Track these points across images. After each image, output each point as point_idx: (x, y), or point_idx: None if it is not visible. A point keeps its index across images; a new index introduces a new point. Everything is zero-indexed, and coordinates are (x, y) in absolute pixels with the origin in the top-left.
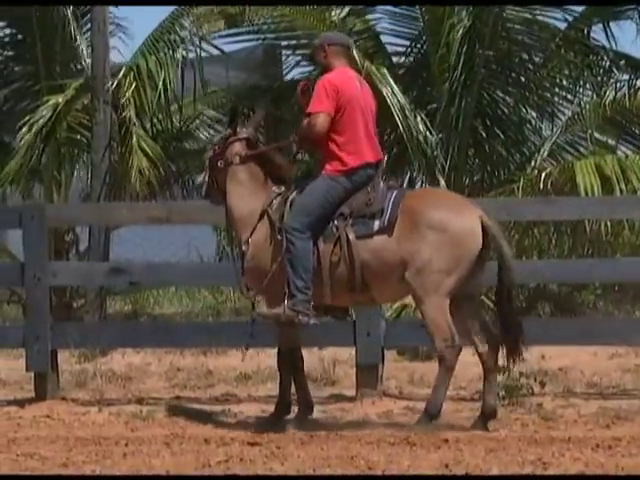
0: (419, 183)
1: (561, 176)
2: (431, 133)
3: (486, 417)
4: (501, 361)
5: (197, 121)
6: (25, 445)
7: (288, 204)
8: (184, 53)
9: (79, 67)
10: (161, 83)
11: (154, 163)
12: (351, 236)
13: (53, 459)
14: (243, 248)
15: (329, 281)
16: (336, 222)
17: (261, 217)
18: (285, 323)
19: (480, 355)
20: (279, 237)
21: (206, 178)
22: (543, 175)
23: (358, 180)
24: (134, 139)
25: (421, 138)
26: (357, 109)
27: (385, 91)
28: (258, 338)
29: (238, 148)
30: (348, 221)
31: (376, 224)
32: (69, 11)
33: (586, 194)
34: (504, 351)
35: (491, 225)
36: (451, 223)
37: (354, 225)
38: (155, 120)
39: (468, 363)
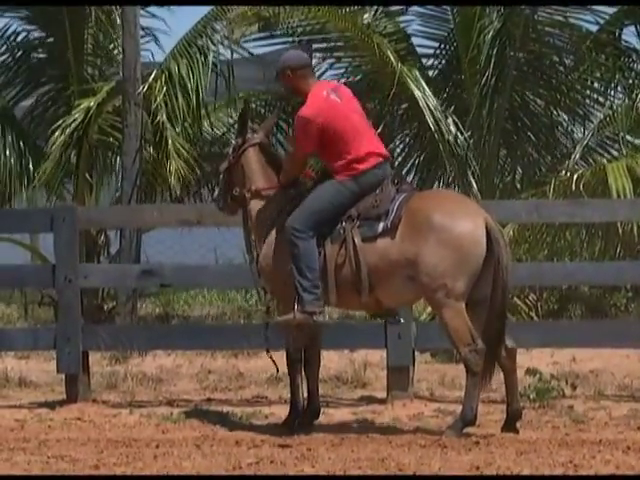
0: (446, 185)
1: (593, 178)
2: (462, 135)
3: (512, 419)
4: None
5: (229, 125)
6: (56, 447)
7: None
8: (215, 57)
9: (111, 70)
10: (192, 87)
11: (190, 166)
12: (357, 238)
13: (84, 461)
14: (258, 249)
15: (334, 283)
16: (344, 224)
17: (277, 219)
18: (300, 327)
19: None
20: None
21: (222, 190)
22: (575, 177)
23: (366, 182)
24: (169, 143)
25: (452, 140)
26: (345, 120)
27: (417, 93)
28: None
29: (252, 154)
30: (355, 223)
31: (380, 226)
32: (101, 13)
33: (618, 196)
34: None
35: (494, 228)
36: (454, 225)
37: (360, 227)
38: (186, 124)
39: (498, 366)
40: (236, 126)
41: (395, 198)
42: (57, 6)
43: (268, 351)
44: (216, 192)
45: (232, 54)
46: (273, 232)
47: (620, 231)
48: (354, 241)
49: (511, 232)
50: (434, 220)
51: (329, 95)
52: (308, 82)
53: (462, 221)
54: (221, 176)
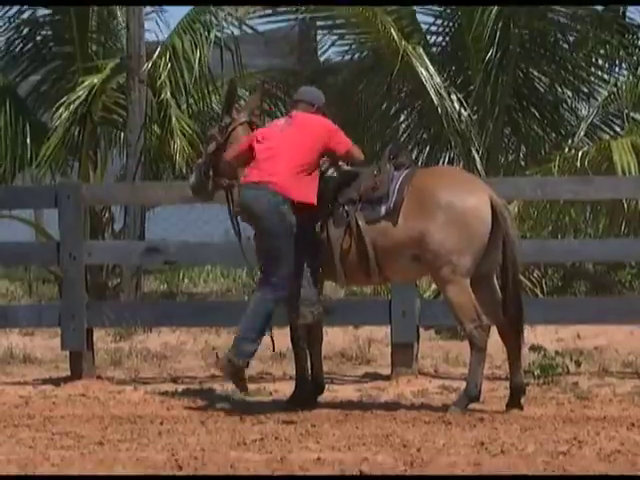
0: (450, 162)
1: (598, 155)
2: (466, 111)
3: (516, 394)
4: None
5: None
6: (61, 424)
7: None
8: (219, 34)
9: (116, 47)
10: (197, 64)
11: (193, 143)
12: (361, 222)
13: (88, 437)
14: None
15: (342, 266)
16: (346, 207)
17: None
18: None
19: (502, 334)
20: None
21: (203, 171)
22: (580, 154)
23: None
24: (173, 120)
25: (456, 117)
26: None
27: (421, 71)
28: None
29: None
30: (357, 206)
31: (383, 209)
32: None
33: (623, 173)
34: (507, 330)
35: (499, 204)
36: (460, 203)
37: (363, 210)
38: (191, 101)
39: (502, 342)
40: (222, 106)
41: (394, 177)
42: (60, 6)
43: (271, 329)
44: (193, 177)
45: (234, 31)
46: None
47: (625, 208)
48: (358, 224)
49: (515, 209)
50: (440, 197)
51: (277, 121)
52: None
53: (468, 198)
54: (206, 159)
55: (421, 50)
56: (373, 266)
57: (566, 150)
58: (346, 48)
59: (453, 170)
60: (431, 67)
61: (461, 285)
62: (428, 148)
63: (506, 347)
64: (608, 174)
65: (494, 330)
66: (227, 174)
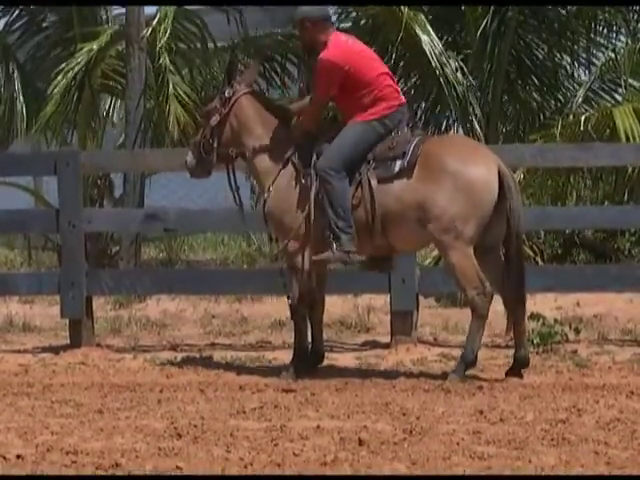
0: (453, 129)
1: (598, 122)
2: (465, 78)
3: (519, 366)
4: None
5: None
6: (60, 392)
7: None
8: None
9: (114, 13)
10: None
11: (190, 110)
12: (373, 180)
13: (88, 405)
14: (265, 195)
15: None
16: (360, 166)
17: (284, 165)
18: (338, 262)
19: (507, 305)
20: (303, 181)
21: (204, 146)
22: (582, 119)
23: (390, 125)
24: (170, 87)
25: (456, 84)
26: (369, 65)
27: (424, 38)
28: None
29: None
30: (371, 165)
31: (397, 165)
32: None
33: (627, 139)
34: (511, 302)
35: (507, 174)
36: (467, 170)
37: (376, 168)
38: (193, 67)
39: (503, 311)
40: (223, 77)
41: (410, 140)
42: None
43: (289, 297)
44: (190, 155)
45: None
46: (282, 179)
47: (626, 175)
48: (370, 183)
49: (519, 177)
50: (447, 164)
51: (354, 42)
52: (327, 34)
53: (475, 166)
54: (208, 132)
55: (422, 17)
56: (378, 226)
57: (565, 117)
58: (348, 15)
59: (462, 138)
60: (433, 34)
61: (464, 251)
62: (429, 114)
63: (511, 319)
64: (609, 140)
65: (496, 299)
66: (232, 144)
